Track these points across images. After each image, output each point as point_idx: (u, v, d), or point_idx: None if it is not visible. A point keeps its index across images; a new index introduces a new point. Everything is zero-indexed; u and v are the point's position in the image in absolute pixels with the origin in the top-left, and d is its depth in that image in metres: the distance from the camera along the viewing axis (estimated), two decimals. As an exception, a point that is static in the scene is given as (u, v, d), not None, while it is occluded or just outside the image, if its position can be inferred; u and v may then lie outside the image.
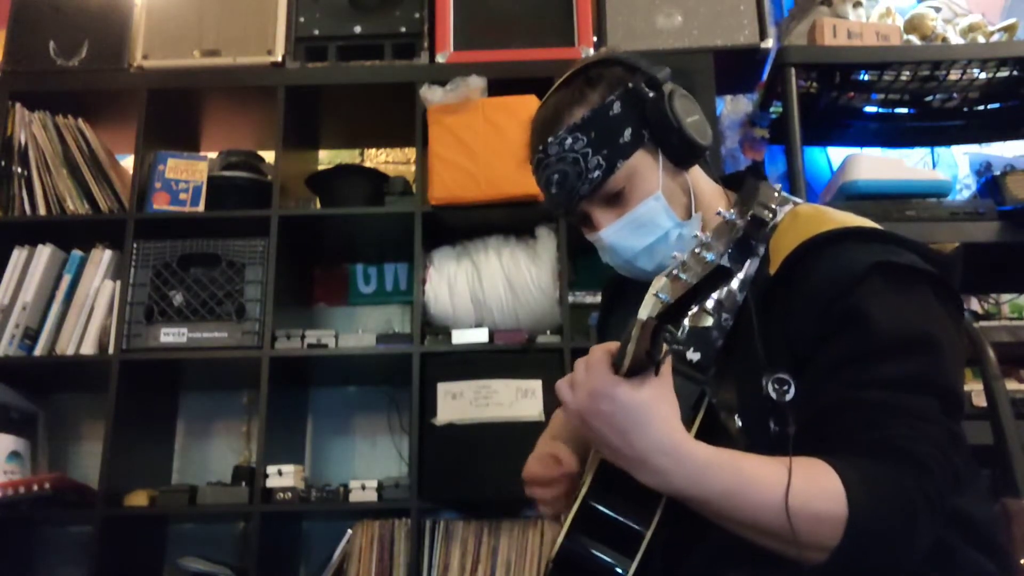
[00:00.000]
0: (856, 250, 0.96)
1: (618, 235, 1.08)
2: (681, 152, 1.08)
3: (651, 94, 1.06)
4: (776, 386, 0.91)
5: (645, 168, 1.07)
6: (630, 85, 1.07)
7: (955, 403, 0.91)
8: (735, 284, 0.96)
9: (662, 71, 1.08)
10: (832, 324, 0.92)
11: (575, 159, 1.06)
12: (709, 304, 0.88)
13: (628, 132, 1.06)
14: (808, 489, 0.82)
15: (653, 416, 0.84)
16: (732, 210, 0.95)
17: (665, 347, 0.80)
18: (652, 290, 0.87)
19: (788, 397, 0.90)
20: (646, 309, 0.84)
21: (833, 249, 0.96)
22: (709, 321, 0.89)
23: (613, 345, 0.86)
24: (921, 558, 0.86)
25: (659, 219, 1.07)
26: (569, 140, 1.06)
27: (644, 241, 1.08)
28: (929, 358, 0.90)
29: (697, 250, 0.84)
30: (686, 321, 0.93)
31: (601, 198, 1.08)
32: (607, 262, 1.15)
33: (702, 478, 0.84)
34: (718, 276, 0.81)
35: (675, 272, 0.84)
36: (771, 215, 1.00)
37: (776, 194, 1.04)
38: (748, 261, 0.97)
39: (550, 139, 1.08)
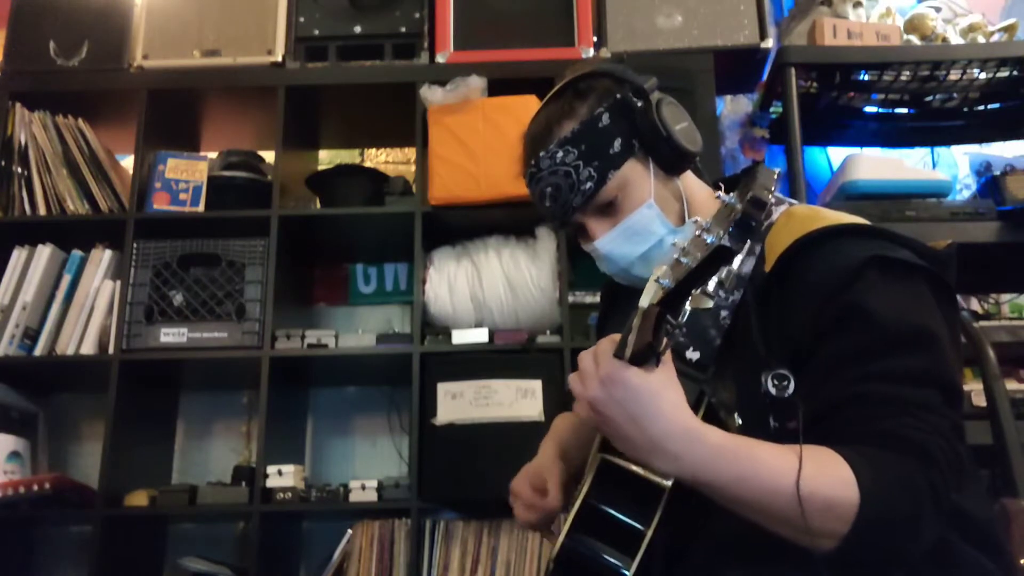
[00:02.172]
0: (851, 245, 0.96)
1: (613, 244, 1.10)
2: (671, 159, 1.09)
3: (639, 103, 1.08)
4: (776, 382, 0.91)
5: (636, 177, 1.08)
6: (618, 96, 1.09)
7: (955, 395, 0.92)
8: (736, 264, 0.96)
9: (649, 80, 1.10)
10: (831, 319, 0.93)
11: (567, 172, 1.08)
12: (710, 286, 0.89)
13: (618, 142, 1.07)
14: (819, 476, 0.82)
15: (665, 401, 0.84)
16: (732, 194, 0.95)
17: (666, 340, 0.80)
18: (653, 277, 0.87)
19: (788, 393, 0.91)
20: (647, 296, 0.84)
21: (829, 245, 0.97)
22: (710, 303, 0.90)
23: (618, 337, 0.86)
24: (924, 551, 0.86)
25: (653, 226, 1.08)
26: (560, 153, 1.08)
27: (639, 249, 1.09)
28: (929, 351, 0.91)
29: (698, 234, 0.85)
30: (687, 304, 0.93)
31: (594, 208, 1.10)
32: (604, 271, 1.16)
33: (716, 462, 0.84)
34: (719, 258, 0.81)
35: (676, 257, 0.85)
36: (770, 195, 0.98)
37: (775, 176, 1.04)
38: (749, 240, 0.96)
39: (541, 153, 1.09)
